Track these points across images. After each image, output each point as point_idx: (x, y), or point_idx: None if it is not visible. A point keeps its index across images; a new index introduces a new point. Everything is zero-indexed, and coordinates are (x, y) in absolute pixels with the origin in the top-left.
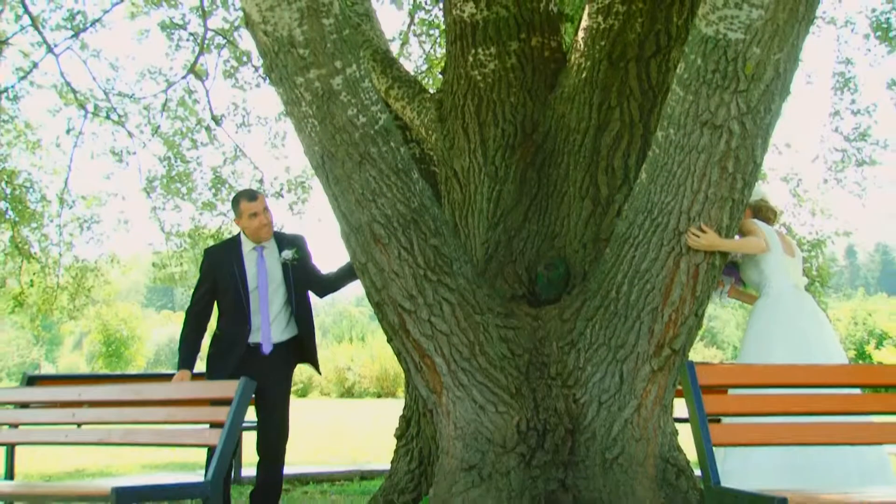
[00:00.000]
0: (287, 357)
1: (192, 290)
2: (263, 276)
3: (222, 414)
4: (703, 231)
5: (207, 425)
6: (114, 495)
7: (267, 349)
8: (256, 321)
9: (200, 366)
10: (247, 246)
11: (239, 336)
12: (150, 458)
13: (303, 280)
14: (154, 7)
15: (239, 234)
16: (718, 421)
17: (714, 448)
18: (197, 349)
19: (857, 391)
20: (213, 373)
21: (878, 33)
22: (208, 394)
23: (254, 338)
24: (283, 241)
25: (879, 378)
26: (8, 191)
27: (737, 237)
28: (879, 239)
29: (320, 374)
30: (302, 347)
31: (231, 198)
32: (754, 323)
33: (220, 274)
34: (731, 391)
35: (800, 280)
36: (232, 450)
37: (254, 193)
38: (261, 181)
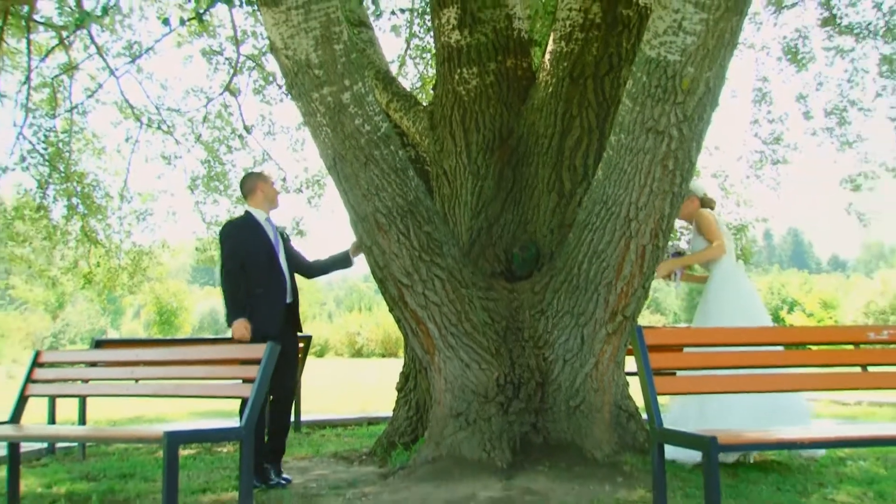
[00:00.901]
0: (295, 316)
1: (225, 261)
2: (278, 241)
3: (253, 371)
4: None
5: (241, 381)
6: (166, 438)
7: (289, 299)
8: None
9: (222, 331)
10: (260, 217)
11: (279, 294)
12: (196, 408)
13: (289, 254)
14: (196, 37)
15: (247, 211)
16: (674, 374)
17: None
18: (244, 304)
19: (781, 349)
20: (264, 330)
21: (789, 56)
22: (241, 355)
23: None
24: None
25: (794, 338)
26: (78, 189)
27: (688, 230)
28: (791, 224)
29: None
30: (295, 311)
31: (244, 182)
32: (711, 291)
33: (252, 243)
34: (685, 349)
35: (736, 259)
36: (262, 401)
37: None
38: (284, 179)
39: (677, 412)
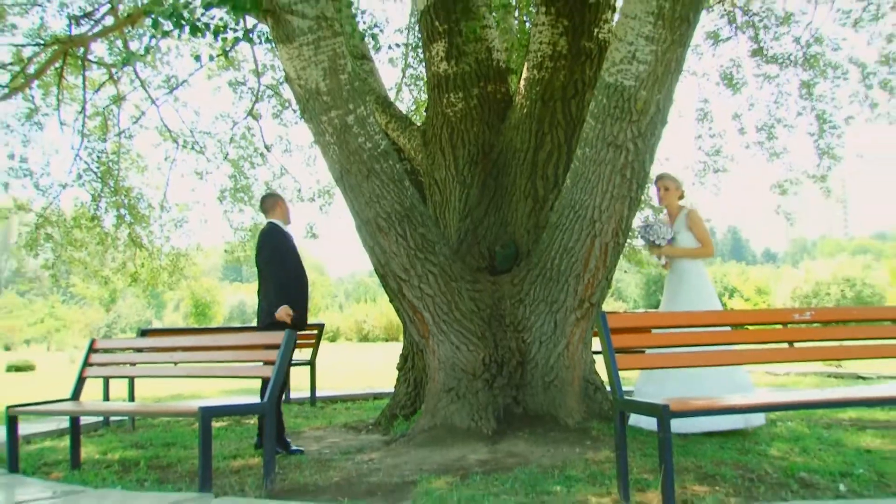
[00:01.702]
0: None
1: (280, 262)
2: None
3: (274, 355)
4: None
5: (263, 363)
6: (200, 412)
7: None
8: None
9: (249, 320)
10: (284, 228)
11: (308, 288)
12: (227, 386)
13: None
14: (224, 70)
15: (271, 222)
16: (643, 352)
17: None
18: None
19: (728, 329)
20: (304, 316)
21: (725, 81)
22: (263, 341)
23: None
24: None
25: (733, 320)
26: (126, 201)
27: (676, 228)
28: (730, 223)
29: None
30: None
31: (265, 200)
32: (685, 281)
33: (287, 246)
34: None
35: None
36: (281, 381)
37: None
38: (299, 190)
39: (654, 389)
